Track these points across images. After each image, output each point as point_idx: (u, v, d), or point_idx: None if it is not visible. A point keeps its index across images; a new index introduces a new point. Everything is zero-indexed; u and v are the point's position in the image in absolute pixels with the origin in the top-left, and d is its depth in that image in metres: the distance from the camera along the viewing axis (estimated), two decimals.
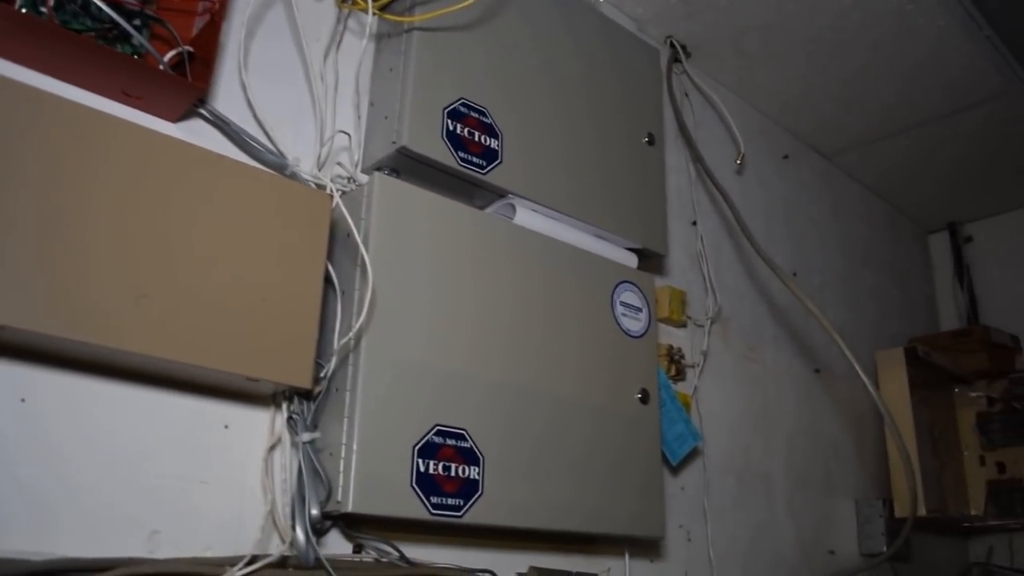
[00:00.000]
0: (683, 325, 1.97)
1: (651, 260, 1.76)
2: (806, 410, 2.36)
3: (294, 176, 1.30)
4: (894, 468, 2.45)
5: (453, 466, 1.27)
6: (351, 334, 1.19)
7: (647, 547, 1.74)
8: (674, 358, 1.87)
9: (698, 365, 1.96)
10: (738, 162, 2.28)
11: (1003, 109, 2.58)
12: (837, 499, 2.39)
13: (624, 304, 1.60)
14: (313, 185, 1.32)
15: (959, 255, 3.25)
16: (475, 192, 1.50)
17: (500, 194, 1.50)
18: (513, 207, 1.50)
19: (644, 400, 1.59)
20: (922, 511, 2.36)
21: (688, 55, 2.25)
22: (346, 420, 1.19)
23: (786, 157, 2.60)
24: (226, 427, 1.19)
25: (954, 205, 3.23)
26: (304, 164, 1.34)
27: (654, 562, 1.76)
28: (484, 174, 1.44)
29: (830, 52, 2.31)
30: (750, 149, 2.40)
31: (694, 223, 2.11)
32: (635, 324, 1.62)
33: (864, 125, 2.66)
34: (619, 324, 1.59)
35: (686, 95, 2.24)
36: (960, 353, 2.80)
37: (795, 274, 2.46)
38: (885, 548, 2.37)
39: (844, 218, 2.84)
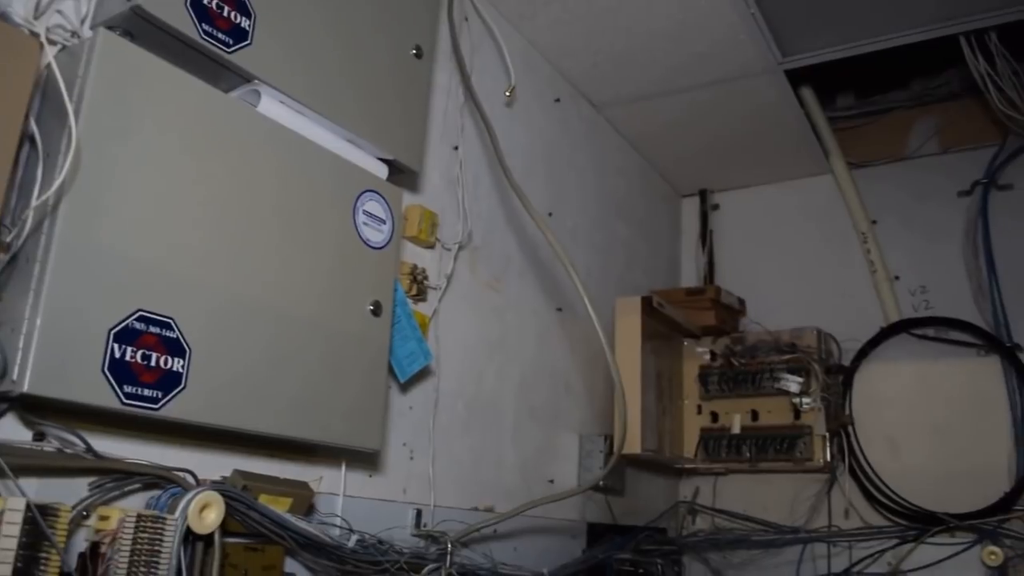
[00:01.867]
0: (431, 247, 1.96)
1: (404, 175, 1.74)
2: (543, 345, 2.44)
3: (4, 17, 1.16)
4: (617, 408, 2.59)
5: (155, 355, 1.19)
6: (45, 197, 1.08)
7: (366, 460, 1.74)
8: (417, 278, 1.87)
9: (441, 288, 1.97)
10: (507, 94, 2.29)
11: (759, 89, 2.76)
12: (562, 432, 2.50)
13: (367, 213, 1.57)
14: (26, 31, 1.18)
15: (705, 220, 3.48)
16: (222, 74, 1.40)
17: (246, 79, 1.42)
18: (258, 94, 1.42)
19: (376, 313, 1.57)
20: (636, 449, 2.53)
21: None
22: (32, 293, 1.09)
23: (557, 100, 2.65)
24: None
25: (707, 173, 3.45)
26: (18, 6, 1.19)
27: (372, 476, 1.77)
28: (229, 52, 1.34)
29: (609, 4, 2.36)
30: (523, 86, 2.42)
31: (456, 148, 2.11)
32: (376, 235, 1.59)
33: (634, 82, 2.75)
34: (359, 233, 1.55)
35: (466, 18, 2.22)
36: (692, 309, 3.01)
37: (550, 214, 2.53)
38: (602, 482, 2.52)
39: (605, 169, 2.95)
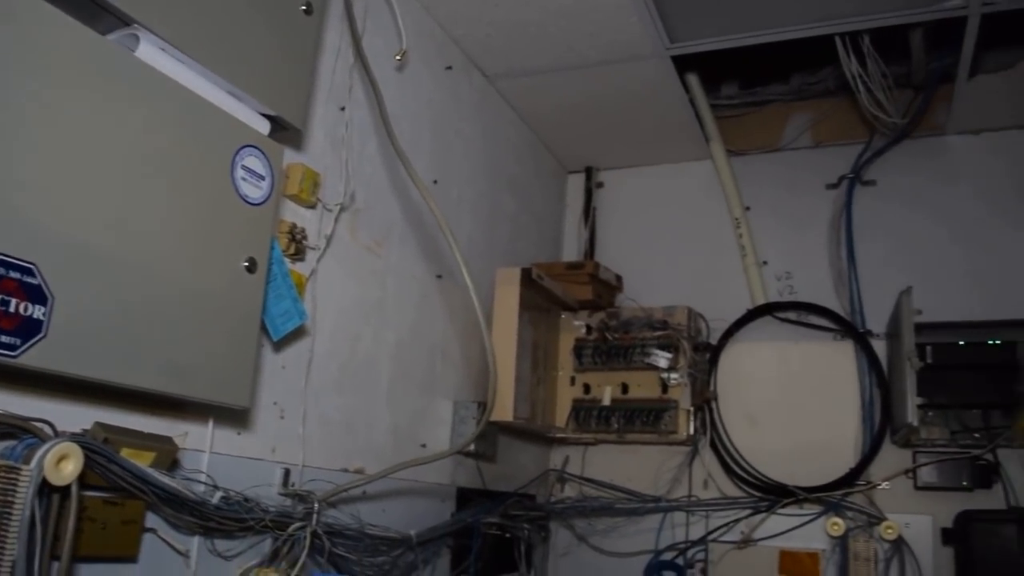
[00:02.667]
0: (312, 207, 1.95)
1: (286, 132, 1.72)
2: (422, 311, 2.46)
3: None
4: (490, 376, 2.64)
5: (14, 301, 1.16)
6: None
7: (235, 418, 1.73)
8: (296, 237, 1.85)
9: (320, 249, 1.97)
10: (398, 59, 2.28)
11: (647, 72, 2.83)
12: (437, 398, 2.53)
13: (246, 169, 1.55)
14: None
15: (590, 197, 3.55)
16: (100, 16, 1.35)
17: (125, 22, 1.37)
18: (137, 38, 1.38)
19: (250, 270, 1.56)
20: (508, 417, 2.59)
21: None
22: None
23: (449, 68, 2.65)
24: None
25: (594, 151, 3.52)
26: None
27: (241, 434, 1.76)
28: None
29: None
30: (416, 52, 2.42)
31: (343, 109, 2.09)
32: (254, 191, 1.57)
33: (527, 55, 2.77)
34: (236, 188, 1.53)
35: None
36: (571, 283, 3.08)
37: (435, 182, 2.54)
38: (473, 447, 2.57)
39: (494, 141, 2.98)
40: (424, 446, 2.45)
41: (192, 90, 1.47)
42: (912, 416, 2.45)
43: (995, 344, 2.86)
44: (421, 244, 2.45)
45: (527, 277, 2.69)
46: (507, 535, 2.70)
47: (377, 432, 2.24)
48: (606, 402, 3.03)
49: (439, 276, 2.55)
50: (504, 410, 2.59)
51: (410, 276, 2.42)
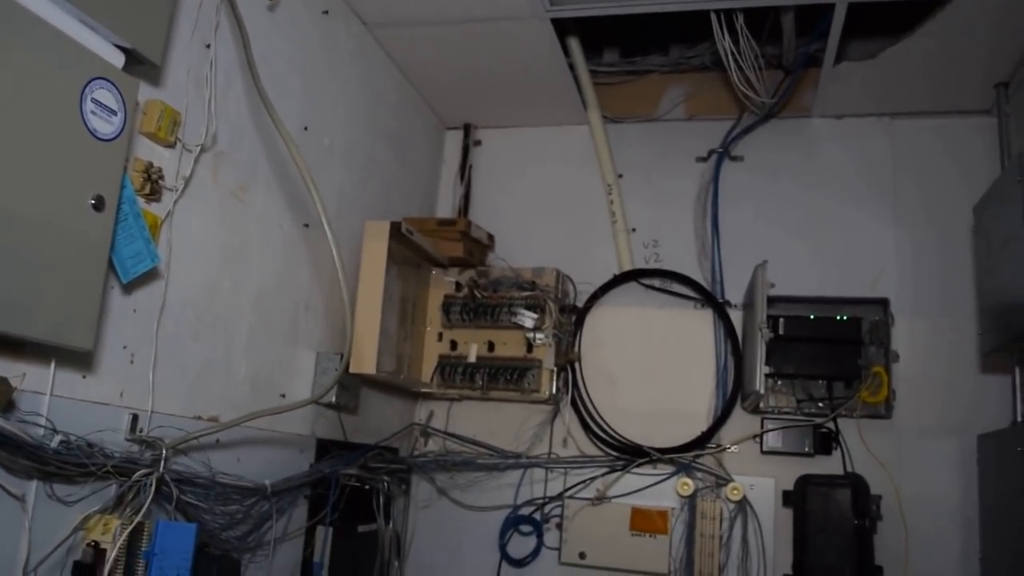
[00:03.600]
0: (171, 146, 1.87)
1: (143, 67, 1.65)
2: (287, 260, 2.42)
3: None
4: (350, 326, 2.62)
5: None
6: None
7: (79, 360, 1.66)
8: (151, 176, 1.78)
9: (177, 190, 1.90)
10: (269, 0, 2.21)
11: (528, 33, 2.82)
12: (299, 348, 2.50)
13: (96, 102, 1.48)
14: None
15: (466, 155, 3.55)
16: None
17: None
18: None
19: (98, 208, 1.49)
20: (370, 370, 2.58)
21: None
22: None
23: (325, 12, 2.58)
24: None
25: (473, 109, 3.51)
26: None
27: (86, 377, 1.69)
28: None
29: None
30: None
31: (208, 46, 2.01)
32: (105, 126, 1.50)
33: (408, 4, 2.71)
34: (85, 122, 1.46)
35: None
36: (442, 239, 3.08)
37: (306, 128, 2.49)
38: (334, 398, 2.56)
39: (371, 91, 2.93)
40: (284, 396, 2.42)
41: (39, 16, 1.39)
42: (760, 384, 2.58)
43: (842, 320, 3.02)
44: (288, 192, 2.40)
45: (396, 231, 2.68)
46: (366, 487, 2.71)
47: (234, 381, 2.20)
48: (472, 359, 3.06)
49: (306, 225, 2.50)
50: (366, 363, 2.58)
51: (275, 224, 2.37)
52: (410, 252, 2.93)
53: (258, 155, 2.26)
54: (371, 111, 2.94)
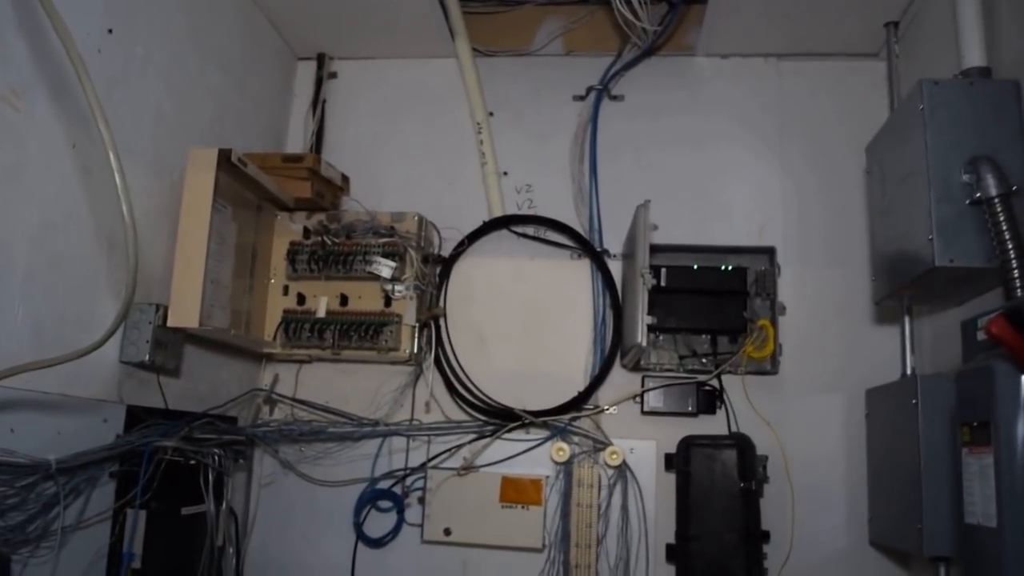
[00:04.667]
0: None
1: None
2: (83, 187, 1.99)
3: None
4: (176, 275, 2.22)
5: None
6: None
7: None
8: None
9: None
10: None
11: None
12: (102, 296, 2.08)
13: None
14: None
15: (320, 87, 3.15)
16: None
17: None
18: None
19: None
20: (193, 323, 2.19)
21: None
22: None
23: None
24: None
25: (328, 38, 3.11)
26: None
27: None
28: None
29: None
30: None
31: None
32: None
33: None
34: None
35: None
36: (288, 178, 2.70)
37: (110, 31, 2.06)
38: (148, 357, 2.15)
39: (211, 7, 2.51)
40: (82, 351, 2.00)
41: None
42: (642, 336, 2.31)
43: (726, 270, 2.80)
44: (86, 105, 1.96)
45: (226, 160, 2.28)
46: (191, 461, 2.32)
47: (9, 332, 1.77)
48: (321, 314, 2.69)
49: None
50: (188, 315, 2.18)
51: (66, 143, 1.93)
52: (248, 191, 2.54)
53: (44, 57, 1.83)
54: (202, 27, 2.51)
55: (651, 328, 2.35)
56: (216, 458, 2.39)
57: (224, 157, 2.27)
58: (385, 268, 2.64)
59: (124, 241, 1.84)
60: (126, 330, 2.17)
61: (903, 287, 2.22)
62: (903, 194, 2.19)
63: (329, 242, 2.70)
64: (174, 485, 2.24)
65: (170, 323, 2.19)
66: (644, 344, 2.30)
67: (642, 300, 2.33)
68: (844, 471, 2.69)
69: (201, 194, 2.24)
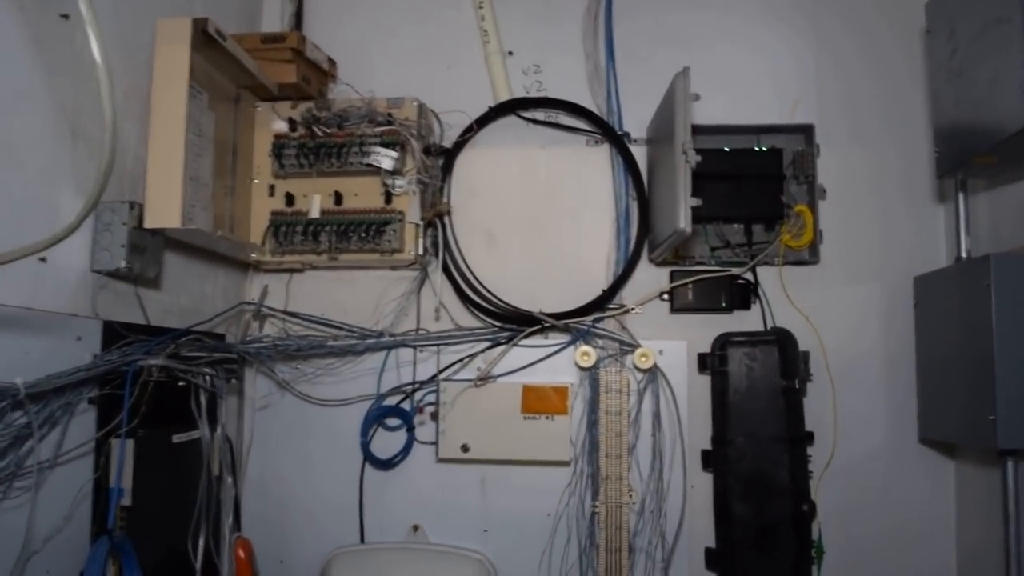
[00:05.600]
0: None
1: None
2: (37, 64, 1.66)
3: None
4: (151, 168, 1.91)
5: None
6: None
7: None
8: None
9: None
10: None
11: None
12: (66, 193, 1.76)
13: None
14: None
15: None
16: None
17: None
18: None
19: None
20: (174, 223, 1.89)
21: None
22: None
23: None
24: None
25: None
26: None
27: None
28: None
29: None
30: None
31: None
32: None
33: None
34: None
35: None
36: (269, 61, 2.37)
37: None
38: (124, 263, 1.85)
39: None
40: (44, 260, 1.70)
41: None
42: (685, 220, 2.04)
43: (760, 151, 2.53)
44: None
45: (201, 33, 1.94)
46: (180, 383, 2.04)
47: None
48: (314, 214, 2.40)
49: (65, 16, 1.73)
50: (167, 214, 1.89)
51: (15, 6, 1.60)
52: (224, 76, 2.21)
53: None
54: None
55: (695, 209, 2.07)
56: (207, 378, 2.12)
57: (199, 28, 1.93)
58: (386, 159, 2.34)
59: (96, 128, 1.52)
60: (97, 233, 1.87)
61: (980, 156, 1.97)
62: (982, 48, 1.92)
63: (320, 133, 2.39)
64: (163, 411, 1.97)
65: (147, 224, 1.89)
66: (688, 229, 2.03)
67: (684, 181, 2.05)
68: (889, 365, 2.49)
69: (175, 72, 1.91)
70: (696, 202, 2.04)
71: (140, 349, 1.89)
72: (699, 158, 2.04)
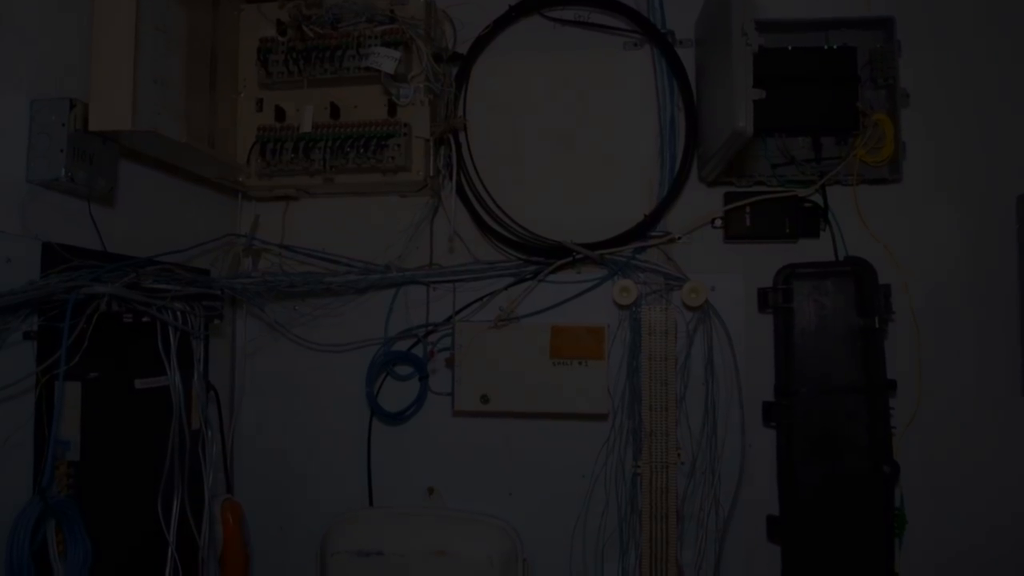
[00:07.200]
0: None
1: None
2: None
3: None
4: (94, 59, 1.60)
5: None
6: None
7: None
8: None
9: None
10: None
11: None
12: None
13: None
14: None
15: None
16: None
17: None
18: None
19: None
20: (124, 124, 1.57)
21: None
22: None
23: None
24: None
25: None
26: None
27: None
28: None
29: None
30: None
31: None
32: None
33: None
34: None
35: None
36: None
37: None
38: (64, 171, 1.54)
39: None
40: None
41: None
42: (746, 117, 1.67)
43: (830, 49, 2.14)
44: None
45: None
46: (144, 319, 1.73)
47: None
48: (306, 128, 2.07)
49: None
50: (114, 112, 1.57)
51: None
52: None
53: None
54: None
55: (758, 103, 1.70)
56: (179, 314, 1.81)
57: None
58: (387, 60, 1.99)
59: (37, 24, 1.20)
60: (33, 136, 1.55)
61: None
62: None
63: (311, 33, 2.05)
64: (125, 352, 1.67)
65: (92, 126, 1.57)
66: (750, 128, 1.66)
67: (744, 69, 1.68)
68: (986, 303, 2.11)
69: None
70: (759, 94, 1.67)
71: (87, 275, 1.57)
72: (763, 40, 1.66)
